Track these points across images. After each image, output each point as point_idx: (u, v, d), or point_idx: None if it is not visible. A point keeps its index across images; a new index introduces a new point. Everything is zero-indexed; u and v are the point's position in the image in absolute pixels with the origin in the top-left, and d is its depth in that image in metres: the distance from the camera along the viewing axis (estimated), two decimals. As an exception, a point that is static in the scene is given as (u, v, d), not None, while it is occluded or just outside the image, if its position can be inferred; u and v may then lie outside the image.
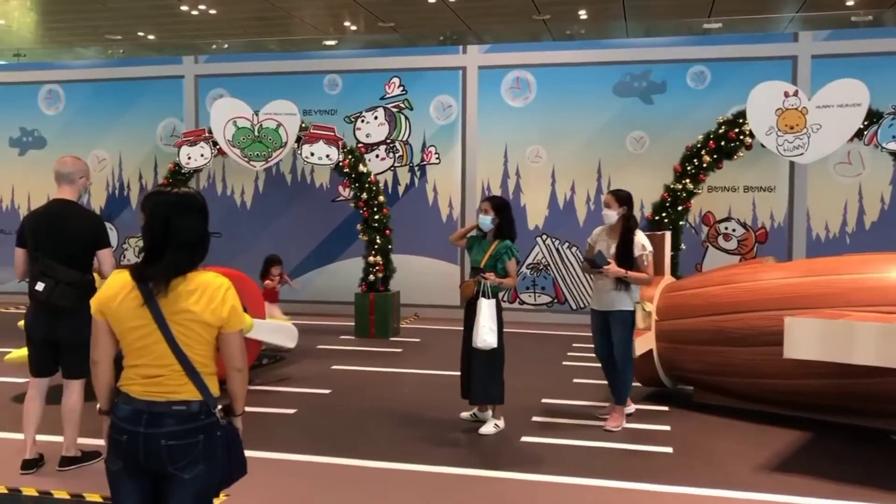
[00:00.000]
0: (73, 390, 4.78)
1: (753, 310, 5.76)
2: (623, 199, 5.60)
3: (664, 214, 8.77)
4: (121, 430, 2.59)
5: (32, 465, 4.80)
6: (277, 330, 7.37)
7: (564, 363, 8.05)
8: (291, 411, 6.17)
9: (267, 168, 10.25)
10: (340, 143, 9.64)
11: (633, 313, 5.51)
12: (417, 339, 9.46)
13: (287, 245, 10.85)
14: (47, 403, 4.89)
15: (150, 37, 16.56)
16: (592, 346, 5.95)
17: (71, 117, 12.49)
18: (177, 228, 2.64)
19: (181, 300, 2.59)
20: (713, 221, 10.36)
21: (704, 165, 8.60)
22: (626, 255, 5.47)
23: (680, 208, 8.74)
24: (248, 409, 6.07)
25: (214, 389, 2.68)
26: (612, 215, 5.58)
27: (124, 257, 12.12)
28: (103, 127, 12.32)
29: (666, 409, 6.27)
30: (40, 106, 12.59)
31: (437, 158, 11.26)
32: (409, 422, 5.92)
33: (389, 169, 11.28)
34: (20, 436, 5.33)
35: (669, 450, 5.24)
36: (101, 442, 4.70)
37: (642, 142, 10.58)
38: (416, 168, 11.30)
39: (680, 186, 8.66)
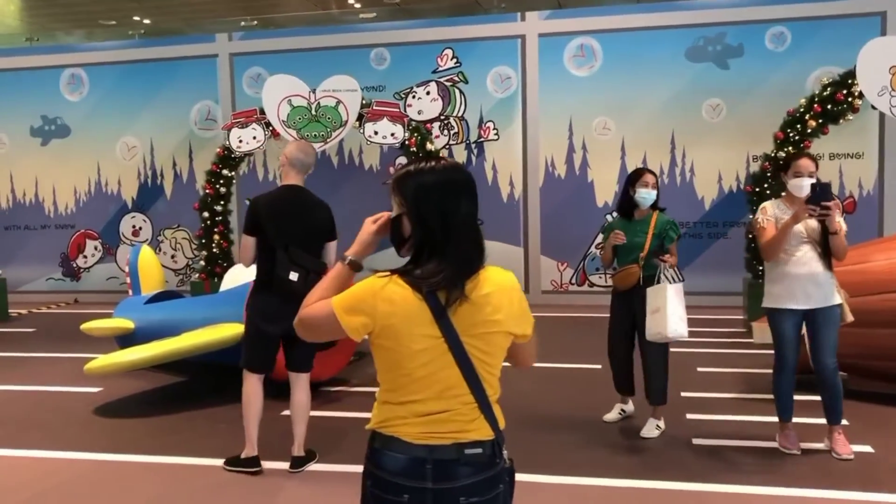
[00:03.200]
0: (303, 384, 4.55)
1: (934, 286, 5.16)
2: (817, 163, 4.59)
3: (766, 186, 8.13)
4: (397, 487, 1.93)
5: (253, 462, 4.53)
6: None
7: (672, 349, 7.43)
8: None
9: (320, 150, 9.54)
10: (406, 120, 8.95)
11: (841, 308, 4.49)
12: (495, 328, 8.82)
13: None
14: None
15: (146, 21, 15.75)
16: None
17: (96, 103, 11.70)
18: (453, 215, 1.98)
19: (478, 309, 1.94)
20: (797, 192, 9.73)
21: (809, 131, 7.96)
22: (826, 232, 4.37)
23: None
24: (367, 414, 5.50)
25: (502, 421, 2.03)
26: (808, 185, 4.33)
27: (160, 251, 11.40)
28: (132, 112, 11.55)
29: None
30: (62, 91, 11.79)
31: (496, 134, 10.58)
32: (550, 424, 5.29)
33: (445, 147, 10.57)
34: (112, 456, 4.80)
35: (869, 448, 4.63)
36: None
37: (719, 109, 9.94)
38: (474, 145, 10.63)
39: (783, 154, 8.01)
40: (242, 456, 4.53)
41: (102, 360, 5.64)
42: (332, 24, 13.15)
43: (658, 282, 4.74)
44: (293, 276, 4.28)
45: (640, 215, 5.03)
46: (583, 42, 10.27)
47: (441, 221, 1.97)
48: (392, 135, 8.87)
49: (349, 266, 2.12)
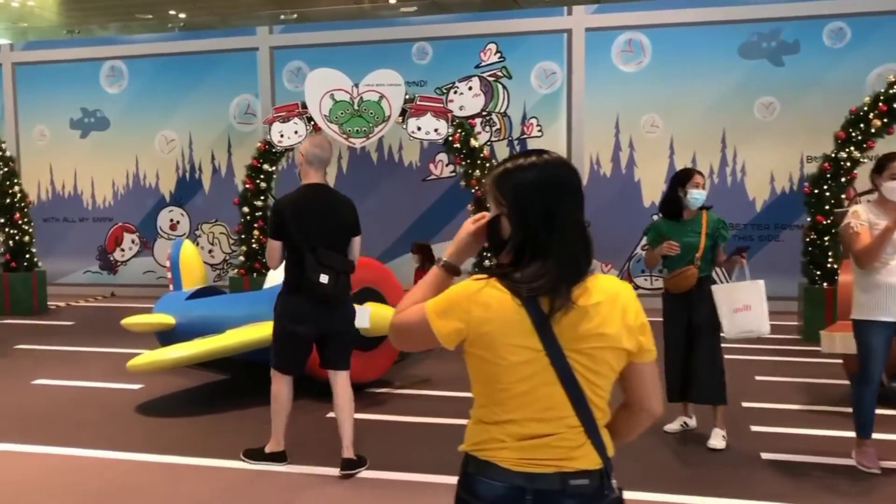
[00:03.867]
0: (343, 381, 4.41)
1: None
2: None
3: (826, 188, 7.81)
4: None
5: (281, 457, 4.52)
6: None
7: (727, 357, 7.15)
8: (462, 422, 5.32)
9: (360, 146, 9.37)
10: (449, 115, 8.75)
11: None
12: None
13: (374, 229, 9.98)
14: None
15: (182, 15, 15.74)
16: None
17: (136, 95, 11.65)
18: (557, 215, 1.76)
19: (585, 320, 1.72)
20: (854, 195, 9.37)
21: (873, 131, 7.63)
22: None
23: (843, 180, 7.78)
24: (422, 419, 5.32)
25: (611, 447, 1.83)
26: None
27: (198, 245, 11.31)
28: (171, 105, 11.48)
29: (893, 412, 5.39)
30: (102, 84, 11.76)
31: (540, 131, 10.35)
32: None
33: (486, 144, 10.35)
34: (157, 457, 4.68)
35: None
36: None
37: (772, 108, 9.62)
38: (516, 142, 10.40)
39: (844, 155, 7.69)
40: (267, 450, 4.48)
41: (146, 358, 5.51)
42: (371, 18, 13.04)
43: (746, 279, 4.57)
44: (323, 278, 4.17)
45: (689, 215, 4.89)
46: (631, 37, 9.99)
47: (544, 221, 1.76)
48: (436, 130, 8.67)
49: (444, 269, 1.92)
